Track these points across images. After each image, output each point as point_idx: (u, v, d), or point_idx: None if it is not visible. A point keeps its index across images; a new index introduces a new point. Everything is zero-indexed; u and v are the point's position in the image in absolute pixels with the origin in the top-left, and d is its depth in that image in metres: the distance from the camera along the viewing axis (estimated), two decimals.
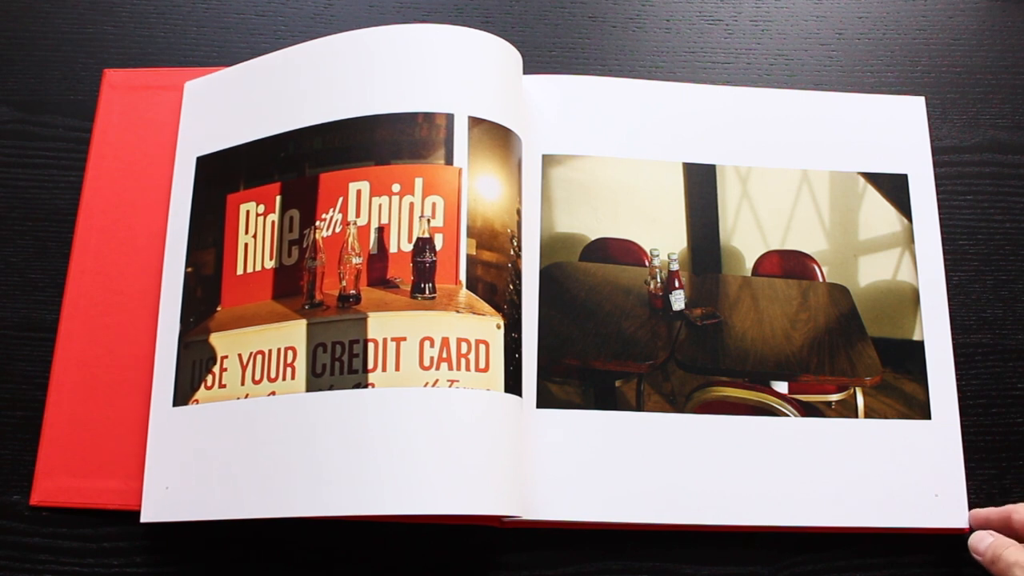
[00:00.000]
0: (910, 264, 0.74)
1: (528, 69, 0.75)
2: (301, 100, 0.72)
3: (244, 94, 0.75)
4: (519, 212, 0.70)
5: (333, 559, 0.68)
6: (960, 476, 0.69)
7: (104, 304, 0.73)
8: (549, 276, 0.72)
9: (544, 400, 0.69)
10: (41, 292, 0.74)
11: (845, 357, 0.72)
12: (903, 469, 0.69)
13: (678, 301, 0.73)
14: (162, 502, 0.67)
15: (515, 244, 0.69)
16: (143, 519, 0.67)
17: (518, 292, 0.69)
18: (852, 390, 0.71)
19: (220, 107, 0.75)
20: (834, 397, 0.71)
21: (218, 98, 0.76)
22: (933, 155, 0.77)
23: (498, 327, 0.66)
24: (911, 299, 0.73)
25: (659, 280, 0.73)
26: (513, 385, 0.66)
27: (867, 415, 0.70)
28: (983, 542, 0.65)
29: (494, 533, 0.68)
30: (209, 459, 0.66)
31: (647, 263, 0.74)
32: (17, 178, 0.77)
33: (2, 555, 0.68)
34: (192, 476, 0.66)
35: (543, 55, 0.82)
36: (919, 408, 0.70)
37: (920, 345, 0.72)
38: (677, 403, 0.70)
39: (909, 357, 0.72)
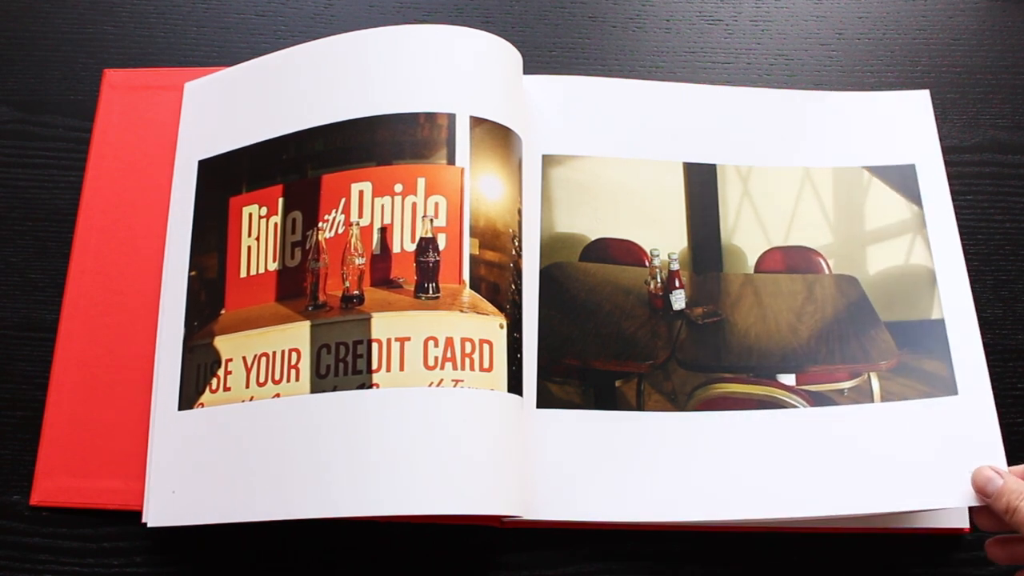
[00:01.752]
0: (923, 247, 0.73)
1: (528, 69, 0.75)
2: (302, 101, 0.72)
3: (244, 95, 0.75)
4: (520, 212, 0.70)
5: (333, 559, 0.68)
6: (998, 445, 0.66)
7: (104, 304, 0.73)
8: (549, 276, 0.72)
9: (544, 400, 0.69)
10: (41, 292, 0.74)
11: (857, 344, 0.70)
12: (932, 448, 0.66)
13: (678, 301, 0.73)
14: (167, 506, 0.66)
15: (516, 244, 0.69)
16: (149, 524, 0.66)
17: (520, 292, 0.69)
18: (866, 376, 0.70)
19: (220, 109, 0.75)
20: (846, 384, 0.69)
21: (218, 99, 0.76)
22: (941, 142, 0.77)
23: (501, 327, 0.66)
24: (927, 280, 0.72)
25: (659, 280, 0.73)
26: (515, 385, 0.66)
27: (884, 399, 0.68)
28: (992, 483, 0.60)
29: (494, 533, 0.68)
30: (214, 462, 0.66)
31: (647, 263, 0.74)
32: (17, 178, 0.77)
33: (2, 555, 0.68)
34: (198, 480, 0.66)
35: (543, 55, 0.82)
36: (942, 385, 0.68)
37: (940, 323, 0.71)
38: (678, 401, 0.69)
39: (929, 335, 0.70)
